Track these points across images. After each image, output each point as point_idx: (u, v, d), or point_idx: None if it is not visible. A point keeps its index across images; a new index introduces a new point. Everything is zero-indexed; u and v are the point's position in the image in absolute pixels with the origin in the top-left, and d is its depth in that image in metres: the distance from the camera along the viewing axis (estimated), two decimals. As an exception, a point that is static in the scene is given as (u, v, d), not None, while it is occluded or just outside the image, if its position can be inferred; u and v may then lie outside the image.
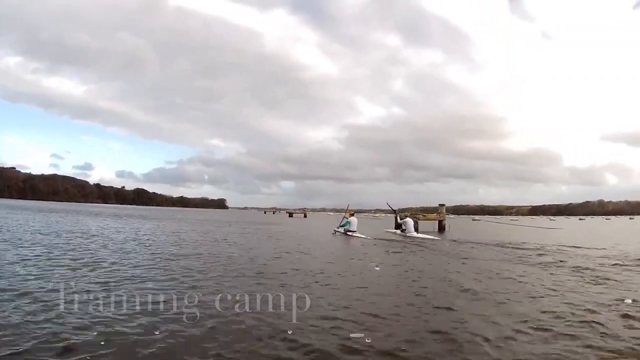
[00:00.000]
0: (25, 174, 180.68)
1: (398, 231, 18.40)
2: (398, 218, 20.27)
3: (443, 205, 25.73)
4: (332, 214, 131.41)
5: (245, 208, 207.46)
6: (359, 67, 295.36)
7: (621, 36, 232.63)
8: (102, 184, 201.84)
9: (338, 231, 17.13)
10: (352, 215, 17.36)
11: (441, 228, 24.90)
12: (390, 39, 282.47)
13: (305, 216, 60.05)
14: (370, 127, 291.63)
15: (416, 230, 22.83)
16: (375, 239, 15.08)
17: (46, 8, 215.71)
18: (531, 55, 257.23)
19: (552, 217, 69.82)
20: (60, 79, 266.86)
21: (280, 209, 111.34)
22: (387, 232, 19.35)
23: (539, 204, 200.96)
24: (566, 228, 32.16)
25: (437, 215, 25.16)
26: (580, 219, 70.82)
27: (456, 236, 18.77)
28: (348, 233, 16.32)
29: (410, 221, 17.88)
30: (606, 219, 77.46)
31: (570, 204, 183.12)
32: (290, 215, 62.00)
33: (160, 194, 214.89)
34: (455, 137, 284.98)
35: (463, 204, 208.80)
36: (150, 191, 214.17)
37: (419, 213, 24.95)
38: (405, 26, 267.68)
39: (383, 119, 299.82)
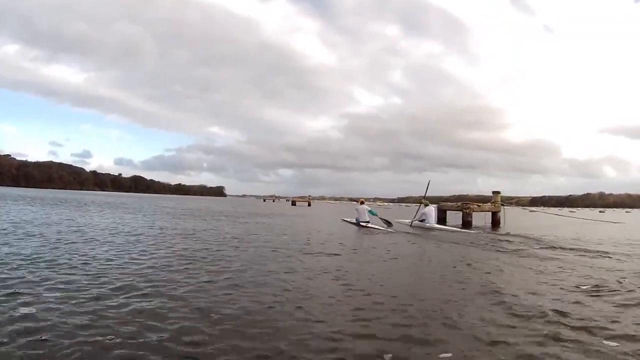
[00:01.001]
0: (19, 161, 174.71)
1: (411, 221, 15.19)
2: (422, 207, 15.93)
3: (498, 192, 19.74)
4: (332, 202, 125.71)
5: (244, 196, 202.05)
6: (357, 57, 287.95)
7: (622, 29, 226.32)
8: (100, 172, 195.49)
9: (349, 221, 15.55)
10: (363, 203, 14.96)
11: (495, 222, 19.12)
12: (389, 29, 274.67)
13: (309, 205, 53.24)
14: (369, 116, 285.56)
15: (469, 225, 17.48)
16: (406, 232, 12.43)
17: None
18: (532, 47, 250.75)
19: (571, 209, 64.65)
20: (59, 67, 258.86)
21: (279, 197, 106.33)
22: (399, 222, 15.83)
23: (539, 195, 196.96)
24: (627, 222, 26.37)
25: (492, 206, 19.24)
26: (600, 212, 65.37)
27: (517, 232, 13.69)
28: (361, 224, 13.99)
29: (432, 210, 15.15)
30: (626, 211, 72.23)
31: (571, 195, 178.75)
32: (294, 203, 54.86)
33: (158, 182, 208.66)
34: (454, 128, 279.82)
35: (463, 194, 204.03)
36: (148, 179, 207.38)
37: (472, 203, 19.01)
38: (404, 17, 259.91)
39: (382, 108, 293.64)
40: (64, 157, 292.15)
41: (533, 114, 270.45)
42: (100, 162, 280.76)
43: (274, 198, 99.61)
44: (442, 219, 19.65)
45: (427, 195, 15.93)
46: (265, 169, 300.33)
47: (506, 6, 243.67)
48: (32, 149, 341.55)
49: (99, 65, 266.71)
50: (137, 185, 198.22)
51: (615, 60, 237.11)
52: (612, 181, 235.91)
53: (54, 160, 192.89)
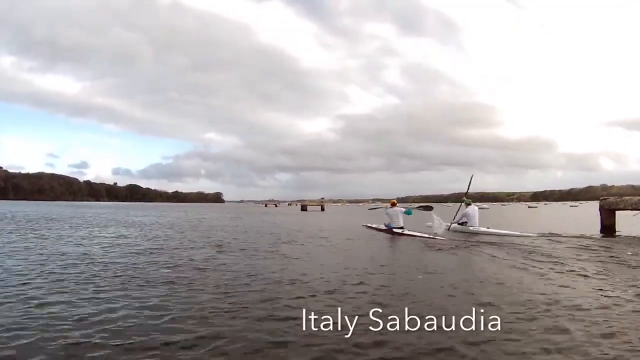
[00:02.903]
0: (8, 172, 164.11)
1: (450, 224, 11.48)
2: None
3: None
4: (338, 205, 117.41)
5: (242, 201, 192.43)
6: (353, 58, 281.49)
7: (617, 23, 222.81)
8: (96, 182, 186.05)
9: (374, 227, 12.25)
10: (395, 205, 11.22)
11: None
12: (384, 29, 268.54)
13: (322, 209, 44.41)
14: (365, 117, 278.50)
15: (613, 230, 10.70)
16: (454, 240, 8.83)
17: (39, 6, 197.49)
18: (526, 43, 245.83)
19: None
20: (55, 77, 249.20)
21: (280, 201, 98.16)
22: (428, 225, 11.42)
23: (540, 190, 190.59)
24: None
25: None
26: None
27: None
28: (395, 230, 10.65)
29: (474, 210, 11.13)
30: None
31: (573, 189, 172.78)
32: (304, 208, 45.35)
33: (154, 190, 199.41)
34: (450, 126, 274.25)
35: (463, 192, 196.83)
36: (145, 187, 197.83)
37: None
38: (399, 17, 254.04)
39: (378, 109, 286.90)
40: (61, 168, 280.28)
41: (529, 110, 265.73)
42: (98, 172, 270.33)
43: (275, 203, 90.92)
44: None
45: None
46: (263, 173, 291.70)
47: (501, 3, 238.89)
48: (28, 161, 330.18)
49: (94, 74, 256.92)
50: (133, 194, 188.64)
51: (609, 53, 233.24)
52: (610, 173, 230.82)
53: (51, 172, 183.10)
